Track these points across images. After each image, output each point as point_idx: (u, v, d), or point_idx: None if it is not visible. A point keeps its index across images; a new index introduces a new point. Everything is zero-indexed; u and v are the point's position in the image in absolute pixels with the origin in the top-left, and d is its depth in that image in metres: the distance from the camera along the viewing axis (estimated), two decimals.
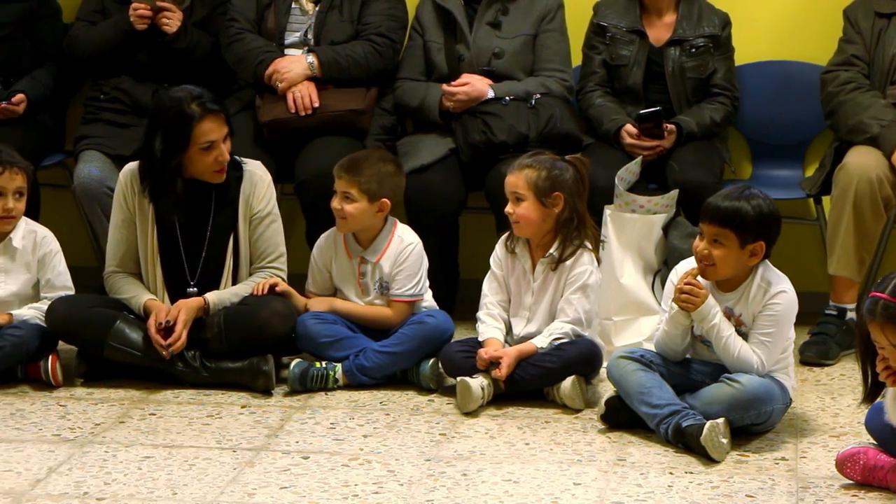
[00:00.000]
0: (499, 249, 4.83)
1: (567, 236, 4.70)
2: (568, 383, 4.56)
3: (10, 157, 4.88)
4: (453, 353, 4.71)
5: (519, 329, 4.77)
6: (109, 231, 4.99)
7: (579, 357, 4.62)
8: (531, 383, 4.62)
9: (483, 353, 4.61)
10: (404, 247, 4.93)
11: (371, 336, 4.89)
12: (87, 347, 4.86)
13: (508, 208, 4.70)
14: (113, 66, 5.75)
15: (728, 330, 4.25)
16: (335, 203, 4.89)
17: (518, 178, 4.68)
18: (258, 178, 4.95)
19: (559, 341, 4.63)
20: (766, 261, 4.33)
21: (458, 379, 4.57)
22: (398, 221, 5.01)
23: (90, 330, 4.80)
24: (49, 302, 4.88)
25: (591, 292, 4.71)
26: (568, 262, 4.69)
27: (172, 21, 5.63)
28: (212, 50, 5.72)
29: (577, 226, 4.69)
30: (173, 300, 4.85)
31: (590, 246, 4.72)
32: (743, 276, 4.30)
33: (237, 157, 4.95)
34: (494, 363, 4.58)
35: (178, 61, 5.69)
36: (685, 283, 4.26)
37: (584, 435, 4.36)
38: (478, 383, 4.55)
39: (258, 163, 5.01)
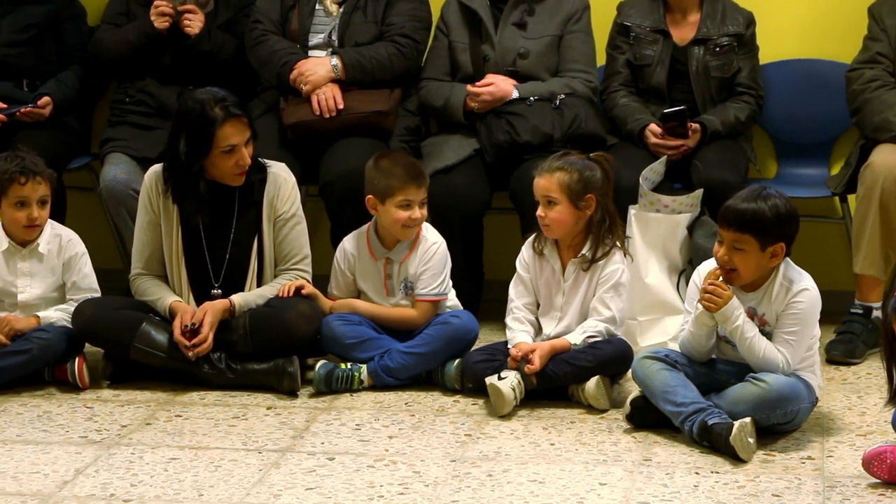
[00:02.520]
0: (525, 252, 4.82)
1: (599, 236, 4.68)
2: (592, 383, 4.56)
3: (33, 166, 4.87)
4: (473, 364, 4.69)
5: (549, 329, 4.75)
6: (135, 233, 5.01)
7: (614, 357, 4.60)
8: (564, 380, 4.60)
9: (514, 350, 4.59)
10: (429, 246, 4.94)
11: (396, 337, 4.89)
12: (113, 350, 4.87)
13: (540, 212, 4.68)
14: (138, 68, 5.77)
15: (752, 331, 4.24)
16: (415, 213, 4.84)
17: (550, 182, 4.66)
18: (282, 179, 4.96)
19: (593, 339, 4.62)
20: (788, 259, 4.31)
21: (488, 383, 4.54)
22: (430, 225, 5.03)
23: (116, 332, 4.81)
24: (75, 304, 4.90)
25: (624, 291, 4.71)
26: (600, 262, 4.68)
27: (194, 23, 5.65)
28: (236, 52, 5.73)
29: (609, 225, 4.69)
30: (198, 302, 4.87)
31: (618, 244, 4.72)
32: (765, 275, 4.28)
33: (261, 160, 4.96)
34: (525, 359, 4.56)
35: (202, 63, 5.71)
36: (709, 284, 4.25)
37: (610, 435, 4.36)
38: (508, 385, 4.52)
39: (282, 165, 5.02)
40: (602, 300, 4.68)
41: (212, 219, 4.89)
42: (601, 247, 4.69)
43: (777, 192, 4.28)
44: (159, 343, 4.80)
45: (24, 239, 4.92)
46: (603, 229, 4.68)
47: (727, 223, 4.23)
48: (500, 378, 4.55)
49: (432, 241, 4.95)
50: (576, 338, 4.63)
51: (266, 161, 4.99)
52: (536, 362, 4.54)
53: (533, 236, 4.81)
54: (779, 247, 4.21)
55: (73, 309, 4.88)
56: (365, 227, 5.02)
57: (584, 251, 4.70)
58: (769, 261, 4.23)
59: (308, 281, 4.97)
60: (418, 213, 4.86)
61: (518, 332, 4.72)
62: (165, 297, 4.88)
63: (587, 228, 4.70)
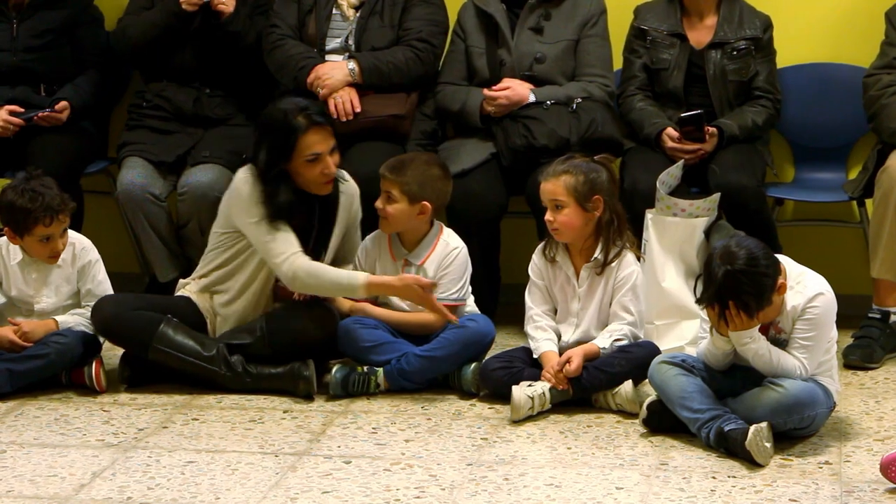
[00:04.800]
0: (536, 259, 4.81)
1: (609, 238, 4.69)
2: (629, 387, 4.53)
3: (55, 203, 4.81)
4: (491, 371, 4.69)
5: (567, 336, 4.74)
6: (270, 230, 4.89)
7: (646, 360, 4.53)
8: (598, 388, 4.58)
9: (550, 368, 4.57)
10: (450, 250, 4.94)
11: (413, 341, 4.89)
12: (131, 348, 4.88)
13: (548, 216, 4.68)
14: (158, 65, 5.78)
15: (764, 347, 4.19)
16: (378, 202, 4.91)
17: (556, 185, 4.66)
18: (355, 189, 5.02)
19: (620, 342, 4.62)
20: (796, 263, 4.28)
21: (513, 388, 4.52)
22: (444, 226, 5.02)
23: (136, 332, 4.81)
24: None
25: (640, 292, 4.72)
26: (613, 265, 4.68)
27: (228, 1, 5.65)
28: (257, 40, 5.72)
29: (617, 227, 4.69)
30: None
31: (628, 245, 4.72)
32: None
33: (338, 170, 4.97)
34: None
35: (222, 62, 5.72)
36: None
37: (627, 439, 4.35)
38: (527, 392, 4.51)
39: (345, 173, 5.04)
40: (622, 305, 4.68)
41: (293, 225, 4.85)
42: (612, 249, 4.69)
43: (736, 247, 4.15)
44: (179, 344, 4.80)
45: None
46: (612, 230, 4.68)
47: (717, 303, 4.15)
48: (529, 386, 4.54)
49: (454, 245, 4.95)
50: (603, 342, 4.62)
51: (340, 171, 4.99)
52: (575, 363, 4.51)
53: (543, 243, 4.81)
54: (779, 286, 4.14)
55: (90, 313, 4.89)
56: None
57: (595, 255, 4.69)
58: (776, 297, 4.13)
59: None
60: (379, 202, 4.89)
61: (542, 342, 4.71)
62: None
63: (596, 231, 4.69)
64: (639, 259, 4.79)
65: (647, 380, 4.62)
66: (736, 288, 4.07)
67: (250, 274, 4.92)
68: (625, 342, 4.64)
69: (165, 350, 4.79)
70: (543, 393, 4.54)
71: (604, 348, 4.61)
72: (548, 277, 4.79)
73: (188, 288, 5.02)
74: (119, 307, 4.85)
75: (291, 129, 4.77)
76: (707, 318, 4.33)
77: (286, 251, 4.78)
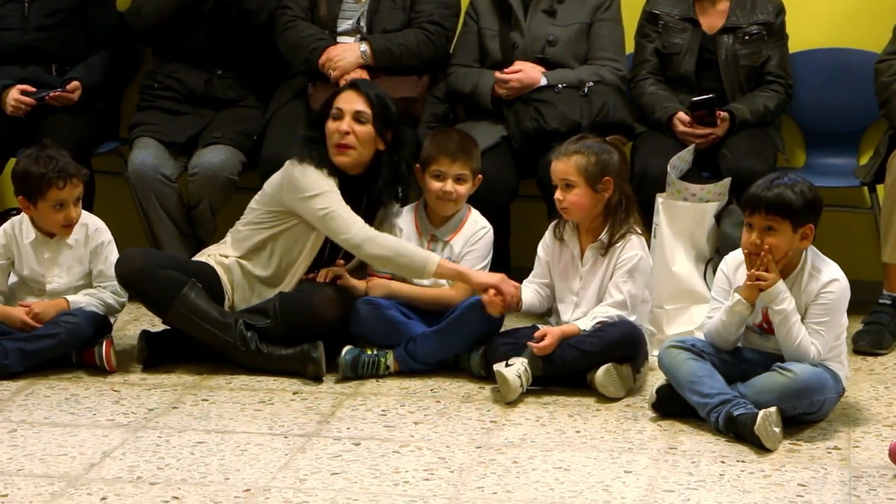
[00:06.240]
0: (548, 236, 4.85)
1: (616, 220, 4.69)
2: (602, 371, 4.53)
3: (69, 168, 4.86)
4: (497, 348, 4.69)
5: (567, 315, 4.76)
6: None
7: (620, 340, 4.57)
8: (571, 364, 4.58)
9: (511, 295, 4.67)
10: (478, 229, 5.00)
11: (427, 322, 4.89)
12: (152, 306, 4.88)
13: (558, 195, 4.70)
14: (171, 46, 5.78)
15: (795, 315, 4.22)
16: (448, 187, 4.93)
17: (567, 165, 4.67)
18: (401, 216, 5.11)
19: (601, 324, 4.62)
20: (815, 249, 4.30)
21: (495, 369, 4.55)
22: (471, 206, 5.04)
23: (160, 290, 4.78)
24: (103, 291, 4.92)
25: (640, 276, 4.70)
26: (618, 246, 4.68)
27: None
28: (268, 22, 5.72)
29: (625, 209, 4.70)
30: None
31: (639, 230, 4.72)
32: (793, 265, 4.27)
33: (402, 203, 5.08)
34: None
35: (234, 45, 5.72)
36: (755, 265, 4.23)
37: (635, 423, 4.36)
38: (513, 372, 4.51)
39: None
40: (615, 283, 4.67)
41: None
42: (618, 231, 4.69)
43: (796, 175, 4.30)
44: (199, 309, 4.79)
45: (57, 235, 4.94)
46: (620, 212, 4.69)
47: (757, 209, 4.22)
48: (507, 365, 4.54)
49: (481, 225, 5.02)
50: (585, 323, 4.63)
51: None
52: (546, 341, 4.54)
53: (555, 222, 4.82)
54: (808, 228, 4.21)
55: (101, 294, 4.91)
56: (415, 203, 5.10)
57: (601, 236, 4.70)
58: (800, 242, 4.22)
59: None
60: (450, 186, 4.92)
61: (525, 291, 4.77)
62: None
63: (605, 212, 4.70)
64: (648, 243, 4.78)
65: (640, 362, 4.65)
66: (785, 196, 4.17)
67: (295, 252, 4.95)
68: (607, 322, 4.62)
69: (185, 314, 4.77)
70: (527, 370, 4.54)
71: (584, 330, 4.60)
72: (554, 254, 4.81)
73: (213, 258, 5.01)
74: (148, 262, 4.82)
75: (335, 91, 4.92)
76: (717, 298, 4.34)
77: (356, 219, 4.81)
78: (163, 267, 4.83)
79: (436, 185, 4.96)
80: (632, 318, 4.67)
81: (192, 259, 5.07)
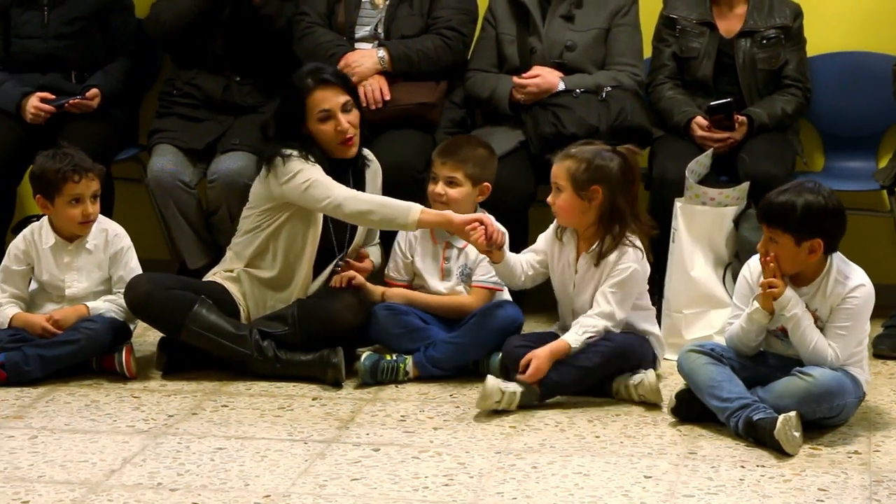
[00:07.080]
0: (550, 231, 4.79)
1: (608, 231, 4.60)
2: (652, 377, 4.51)
3: (85, 163, 4.89)
4: (513, 349, 4.66)
5: (568, 320, 4.71)
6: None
7: (618, 351, 4.53)
8: (573, 387, 4.54)
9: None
10: None
11: (446, 328, 4.89)
12: (164, 328, 4.89)
13: (549, 198, 4.67)
14: (189, 53, 5.79)
15: (807, 320, 4.21)
16: (438, 189, 4.92)
17: (559, 168, 4.63)
18: (377, 167, 5.11)
19: (591, 339, 4.53)
20: (841, 255, 4.29)
21: (487, 376, 4.49)
22: (486, 211, 5.03)
23: (169, 311, 4.80)
24: (122, 297, 4.91)
25: (630, 289, 4.60)
26: (611, 258, 4.60)
27: None
28: (286, 29, 5.73)
29: (618, 220, 4.59)
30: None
31: (635, 242, 4.61)
32: (818, 270, 4.25)
33: (364, 149, 5.06)
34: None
35: (252, 52, 5.73)
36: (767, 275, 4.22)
37: (655, 428, 4.35)
38: (498, 384, 4.44)
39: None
40: (604, 293, 4.58)
41: None
42: (609, 241, 4.59)
43: (818, 186, 4.23)
44: (212, 325, 4.80)
45: (76, 235, 4.95)
46: (612, 223, 4.58)
47: (761, 217, 4.23)
48: (504, 381, 4.50)
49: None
50: (573, 338, 4.53)
51: (366, 151, 5.09)
52: (534, 365, 4.45)
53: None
54: (815, 242, 4.18)
55: (121, 300, 4.91)
56: None
57: (594, 245, 4.65)
58: (808, 256, 4.20)
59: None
60: (441, 188, 4.93)
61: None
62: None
63: (600, 221, 4.62)
64: (649, 254, 4.69)
65: (633, 370, 4.60)
66: (785, 208, 4.15)
67: (297, 247, 4.94)
68: (596, 339, 4.55)
69: (198, 331, 4.79)
70: (514, 392, 4.46)
71: (574, 347, 4.52)
72: (553, 253, 4.75)
73: (219, 276, 5.02)
74: (154, 285, 4.85)
75: (297, 89, 4.89)
76: (738, 305, 4.34)
77: (337, 185, 4.81)
78: (170, 288, 4.85)
79: (430, 186, 4.97)
80: (617, 330, 4.59)
81: (201, 280, 5.09)
